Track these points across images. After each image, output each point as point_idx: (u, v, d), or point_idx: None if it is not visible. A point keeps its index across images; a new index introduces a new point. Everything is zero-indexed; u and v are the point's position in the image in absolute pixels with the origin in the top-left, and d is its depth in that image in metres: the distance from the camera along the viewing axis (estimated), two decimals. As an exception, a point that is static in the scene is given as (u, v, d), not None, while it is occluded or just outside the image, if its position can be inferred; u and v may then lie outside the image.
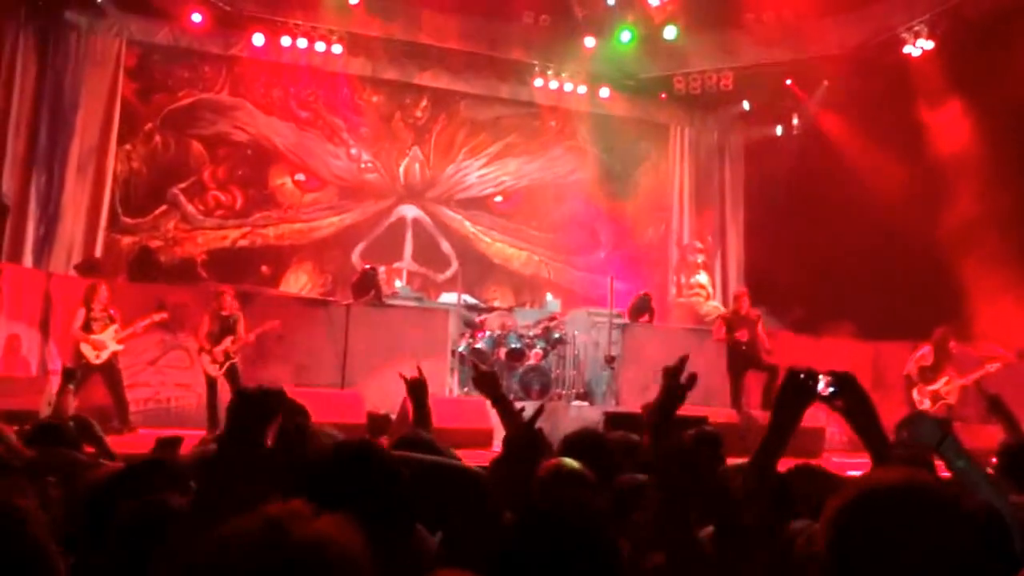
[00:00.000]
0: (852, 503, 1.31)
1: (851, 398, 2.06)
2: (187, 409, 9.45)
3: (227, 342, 8.94)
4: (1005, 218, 10.96)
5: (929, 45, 12.38)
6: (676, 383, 2.29)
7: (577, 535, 1.57)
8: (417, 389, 3.49)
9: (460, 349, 10.86)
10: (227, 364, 8.94)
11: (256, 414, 1.82)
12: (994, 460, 3.25)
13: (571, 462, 2.59)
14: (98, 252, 11.77)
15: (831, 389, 2.05)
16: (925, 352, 9.42)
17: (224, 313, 9.03)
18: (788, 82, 13.89)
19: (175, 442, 4.24)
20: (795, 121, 14.63)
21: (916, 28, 12.48)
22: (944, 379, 9.30)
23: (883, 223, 12.15)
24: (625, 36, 13.28)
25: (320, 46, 12.76)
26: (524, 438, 2.11)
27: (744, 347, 9.70)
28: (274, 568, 1.03)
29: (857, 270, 12.43)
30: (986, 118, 11.70)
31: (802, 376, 2.05)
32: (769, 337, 10.15)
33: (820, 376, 2.04)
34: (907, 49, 12.54)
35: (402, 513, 1.77)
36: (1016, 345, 10.31)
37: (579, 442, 2.99)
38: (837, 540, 1.29)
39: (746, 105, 14.52)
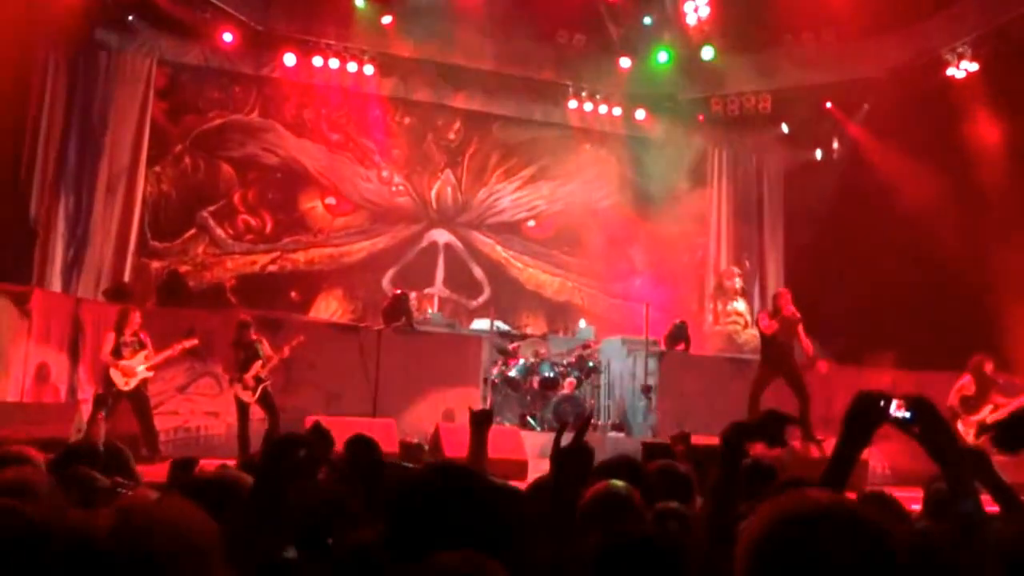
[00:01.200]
0: (770, 530, 1.29)
1: (929, 424, 1.97)
2: (216, 437, 9.46)
3: (256, 367, 8.95)
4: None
5: (973, 67, 12.25)
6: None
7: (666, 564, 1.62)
8: (482, 420, 3.50)
9: (493, 377, 10.80)
10: (260, 388, 8.94)
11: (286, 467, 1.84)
12: None
13: (619, 483, 2.55)
14: (127, 277, 11.83)
15: (906, 414, 1.96)
16: (965, 382, 9.19)
17: (247, 340, 9.06)
18: (828, 105, 13.79)
19: (190, 463, 4.23)
20: (835, 145, 14.51)
21: (960, 50, 12.37)
22: (989, 407, 9.09)
23: (926, 250, 12.00)
24: (662, 57, 13.26)
25: (352, 67, 12.84)
26: (575, 451, 2.04)
27: (779, 342, 9.47)
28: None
29: (900, 299, 12.26)
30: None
31: (875, 398, 1.97)
32: (808, 368, 9.96)
33: (893, 400, 1.97)
34: (950, 71, 12.41)
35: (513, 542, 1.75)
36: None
37: (616, 468, 2.93)
38: (755, 568, 1.28)
39: (785, 128, 14.42)
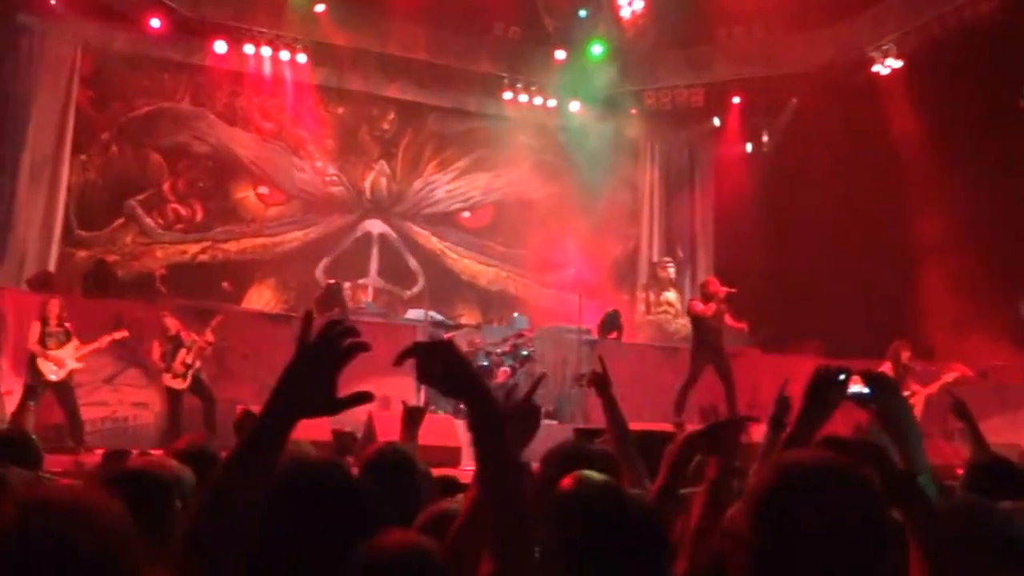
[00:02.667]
0: (777, 484, 1.36)
1: (887, 399, 1.99)
2: (145, 427, 9.44)
3: (182, 354, 9.00)
4: (968, 237, 11.34)
5: (898, 64, 12.76)
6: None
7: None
8: (415, 417, 3.61)
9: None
10: (190, 375, 8.99)
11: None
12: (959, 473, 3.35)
13: (593, 474, 2.60)
14: (52, 266, 11.67)
15: (864, 389, 1.98)
16: (884, 369, 9.62)
17: (170, 333, 9.09)
18: (758, 99, 14.21)
19: (122, 455, 4.31)
20: (765, 138, 14.93)
21: (885, 47, 12.88)
22: (907, 394, 9.54)
23: (851, 241, 12.49)
24: (596, 49, 13.51)
25: (284, 55, 12.83)
26: (523, 410, 1.89)
27: (713, 327, 9.83)
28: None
29: (826, 288, 12.73)
30: (953, 136, 12.10)
31: (834, 373, 2.04)
32: (737, 355, 10.36)
33: (852, 375, 2.02)
34: (876, 68, 12.91)
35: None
36: (977, 364, 10.66)
37: (568, 456, 3.00)
38: (764, 522, 1.34)
39: (716, 121, 14.80)
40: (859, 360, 11.17)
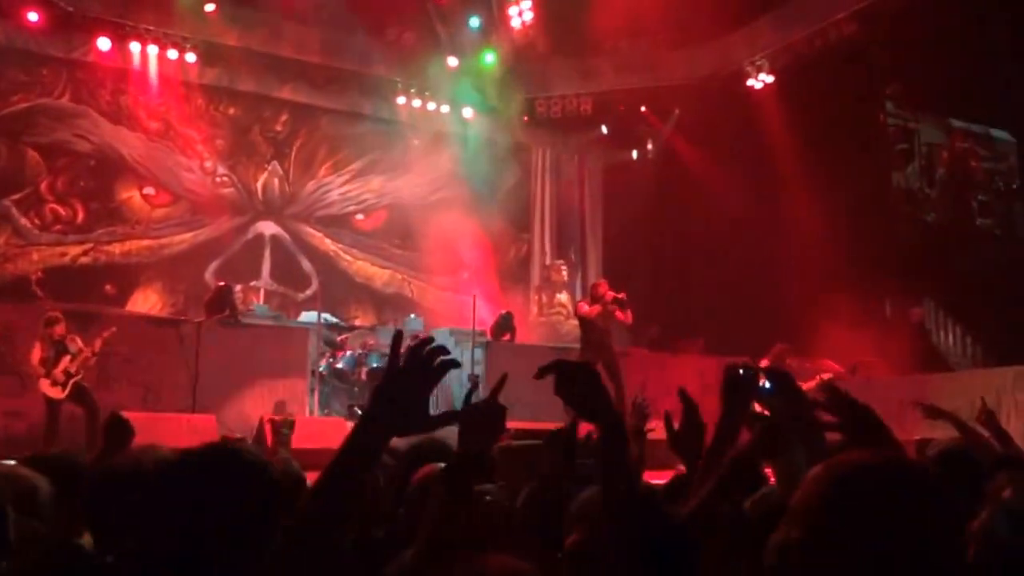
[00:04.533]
0: (834, 485, 1.26)
1: (788, 395, 1.98)
2: (18, 436, 8.72)
3: (65, 362, 8.35)
4: (834, 239, 11.82)
5: (770, 79, 13.24)
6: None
7: None
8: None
9: (320, 369, 10.58)
10: (71, 384, 8.34)
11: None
12: None
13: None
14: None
15: (766, 384, 2.00)
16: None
17: (56, 337, 8.43)
18: (643, 108, 14.45)
19: None
20: (649, 146, 15.22)
21: (758, 63, 13.32)
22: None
23: (729, 245, 12.83)
24: (488, 58, 13.45)
25: (172, 54, 12.23)
26: (487, 408, 1.83)
27: (599, 328, 9.85)
28: None
29: (707, 288, 13.03)
30: (819, 146, 12.62)
31: (742, 371, 2.05)
32: (625, 354, 10.42)
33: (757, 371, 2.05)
34: (751, 82, 13.35)
35: None
36: (847, 361, 11.09)
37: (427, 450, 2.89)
38: (823, 522, 1.24)
39: (604, 129, 14.98)
40: (739, 358, 11.49)
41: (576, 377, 1.57)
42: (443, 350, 1.50)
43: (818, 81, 12.77)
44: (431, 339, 1.54)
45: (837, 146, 12.88)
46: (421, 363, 1.47)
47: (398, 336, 1.52)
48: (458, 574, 1.43)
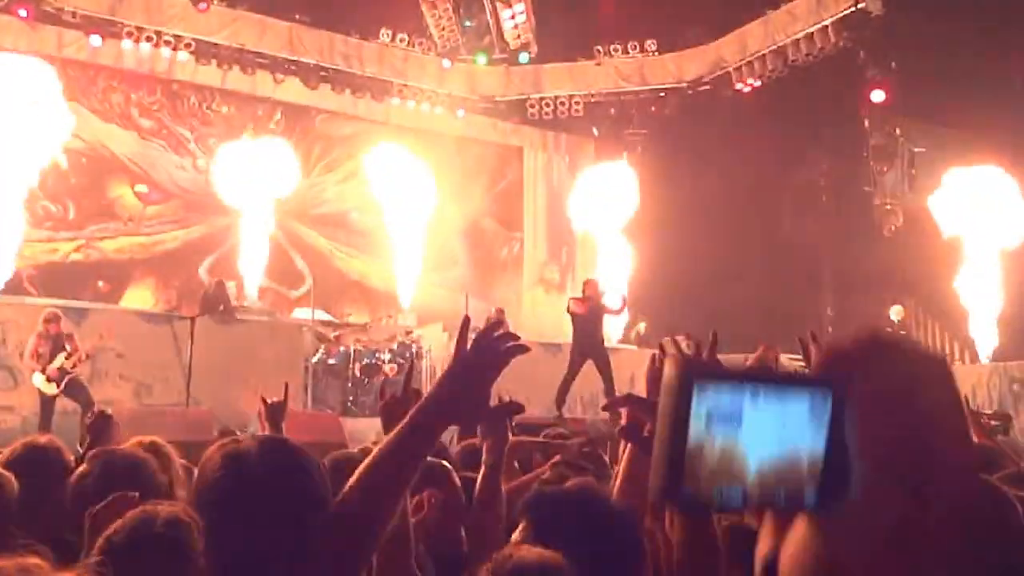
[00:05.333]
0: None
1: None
2: (10, 432, 8.58)
3: (60, 359, 8.24)
4: (819, 243, 11.95)
5: (757, 83, 13.39)
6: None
7: None
8: (276, 413, 3.37)
9: (314, 364, 10.53)
10: (65, 380, 8.22)
11: None
12: None
13: None
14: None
15: None
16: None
17: (53, 333, 8.33)
18: (632, 111, 14.53)
19: None
20: (639, 149, 15.27)
21: (745, 68, 13.47)
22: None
23: (722, 243, 12.89)
24: (481, 60, 13.47)
25: (165, 52, 12.14)
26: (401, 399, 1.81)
27: (589, 325, 9.90)
28: None
29: (697, 286, 13.07)
30: (804, 150, 12.77)
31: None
32: (615, 350, 10.47)
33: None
34: (739, 86, 13.50)
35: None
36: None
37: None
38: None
39: (595, 131, 15.02)
40: (727, 355, 11.52)
41: (647, 410, 1.50)
42: (512, 335, 1.44)
43: (804, 86, 12.92)
44: (499, 323, 1.51)
45: (820, 150, 13.02)
46: (489, 350, 1.41)
47: (466, 322, 1.48)
48: (492, 565, 1.40)
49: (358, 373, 10.55)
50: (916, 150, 13.89)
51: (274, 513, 1.38)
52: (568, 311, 10.28)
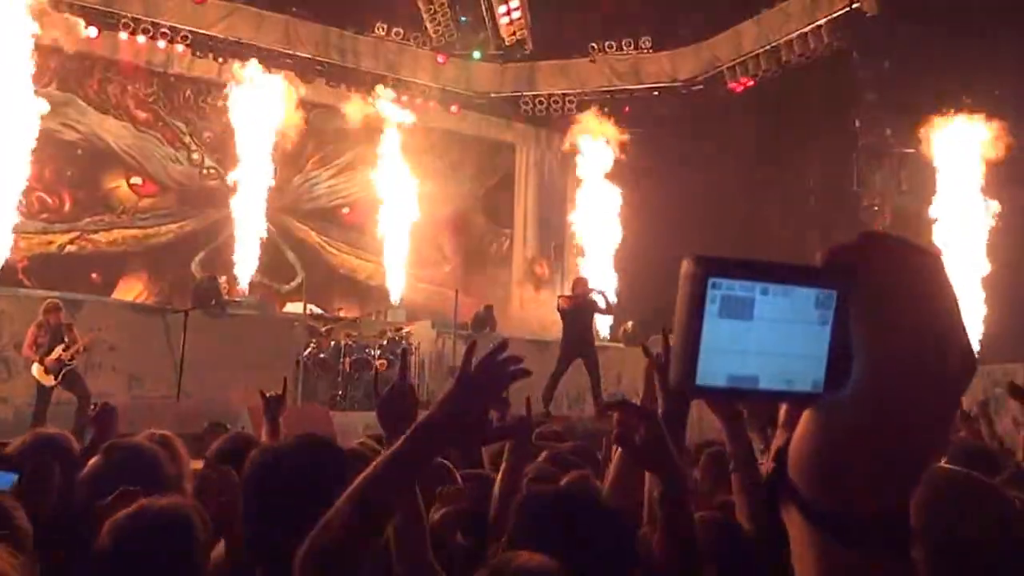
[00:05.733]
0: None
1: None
2: (4, 422, 8.71)
3: (58, 350, 8.33)
4: (807, 244, 12.02)
5: (750, 82, 13.43)
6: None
7: None
8: (274, 407, 3.45)
9: (305, 358, 10.63)
10: (63, 371, 8.32)
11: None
12: None
13: None
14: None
15: None
16: None
17: (53, 324, 8.41)
18: (626, 109, 14.56)
19: None
20: (631, 147, 15.28)
21: (739, 66, 13.51)
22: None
23: (704, 245, 12.93)
24: (476, 55, 13.51)
25: (161, 44, 12.18)
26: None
27: (578, 323, 9.99)
28: None
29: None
30: (794, 150, 12.83)
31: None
32: (602, 348, 10.56)
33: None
34: (732, 84, 13.54)
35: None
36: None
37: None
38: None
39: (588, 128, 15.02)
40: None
41: (640, 418, 1.57)
42: (516, 359, 1.42)
43: (796, 86, 12.97)
44: (505, 345, 1.47)
45: (811, 151, 13.09)
46: (491, 373, 1.40)
47: (471, 347, 1.49)
48: (490, 568, 1.45)
49: (348, 368, 10.66)
50: (906, 151, 13.97)
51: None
52: (558, 309, 10.37)
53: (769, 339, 0.59)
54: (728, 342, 0.58)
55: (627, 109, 14.60)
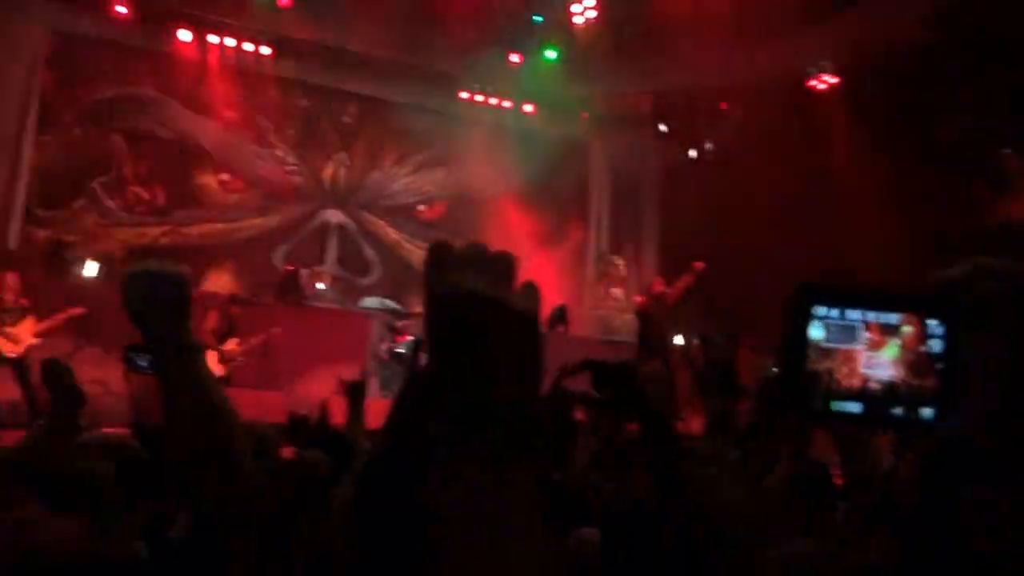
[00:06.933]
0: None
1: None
2: (105, 406, 9.14)
3: (231, 343, 8.79)
4: (897, 248, 11.58)
5: (834, 80, 13.01)
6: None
7: None
8: (355, 391, 3.51)
9: (382, 353, 10.85)
10: (229, 367, 8.74)
11: None
12: None
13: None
14: (12, 244, 11.29)
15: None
16: None
17: (233, 316, 8.84)
18: (703, 107, 14.34)
19: None
20: (708, 145, 15.05)
21: (822, 63, 13.11)
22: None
23: (787, 247, 12.67)
24: (550, 54, 13.49)
25: (248, 46, 12.57)
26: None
27: (654, 321, 9.97)
28: None
29: (760, 290, 12.88)
30: (882, 153, 12.35)
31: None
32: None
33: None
34: (814, 83, 13.14)
35: None
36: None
37: None
38: None
39: (663, 127, 14.87)
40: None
41: (613, 378, 1.58)
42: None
43: (885, 85, 12.50)
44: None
45: (901, 154, 12.60)
46: None
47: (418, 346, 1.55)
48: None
49: (422, 363, 10.84)
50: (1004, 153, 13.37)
51: None
52: (635, 310, 10.34)
53: (875, 368, 0.61)
54: (833, 372, 0.60)
55: (704, 107, 14.38)
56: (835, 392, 0.62)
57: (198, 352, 1.49)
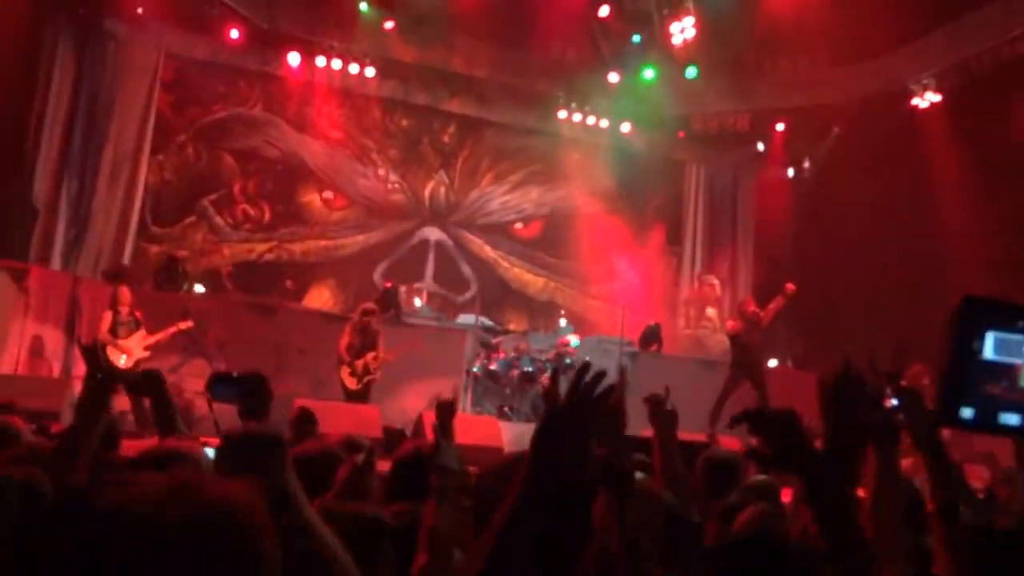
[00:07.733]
0: None
1: (915, 412, 1.81)
2: (207, 417, 9.14)
3: (368, 358, 8.74)
4: (1000, 273, 10.72)
5: (937, 98, 12.23)
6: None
7: None
8: (444, 411, 3.40)
9: (476, 369, 10.60)
10: (365, 380, 8.71)
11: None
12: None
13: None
14: (126, 259, 11.52)
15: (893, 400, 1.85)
16: None
17: (369, 329, 8.77)
18: (801, 125, 13.71)
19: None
20: (806, 164, 14.43)
21: (924, 81, 12.34)
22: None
23: (885, 268, 11.95)
24: (648, 74, 13.10)
25: (353, 68, 12.56)
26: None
27: (745, 343, 9.51)
28: (179, 524, 0.95)
29: (858, 311, 12.19)
30: (990, 169, 11.50)
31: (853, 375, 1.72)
32: (772, 372, 10.00)
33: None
34: (915, 101, 12.38)
35: None
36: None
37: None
38: None
39: (760, 146, 14.31)
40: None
41: (776, 424, 1.41)
42: (601, 375, 1.32)
43: (990, 103, 11.63)
44: (587, 365, 1.35)
45: (1006, 172, 11.70)
46: (583, 400, 1.30)
47: (555, 375, 1.42)
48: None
49: (516, 380, 10.54)
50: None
51: None
52: (727, 333, 9.94)
53: None
54: (998, 385, 0.64)
55: (802, 127, 13.74)
56: (1002, 404, 0.66)
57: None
